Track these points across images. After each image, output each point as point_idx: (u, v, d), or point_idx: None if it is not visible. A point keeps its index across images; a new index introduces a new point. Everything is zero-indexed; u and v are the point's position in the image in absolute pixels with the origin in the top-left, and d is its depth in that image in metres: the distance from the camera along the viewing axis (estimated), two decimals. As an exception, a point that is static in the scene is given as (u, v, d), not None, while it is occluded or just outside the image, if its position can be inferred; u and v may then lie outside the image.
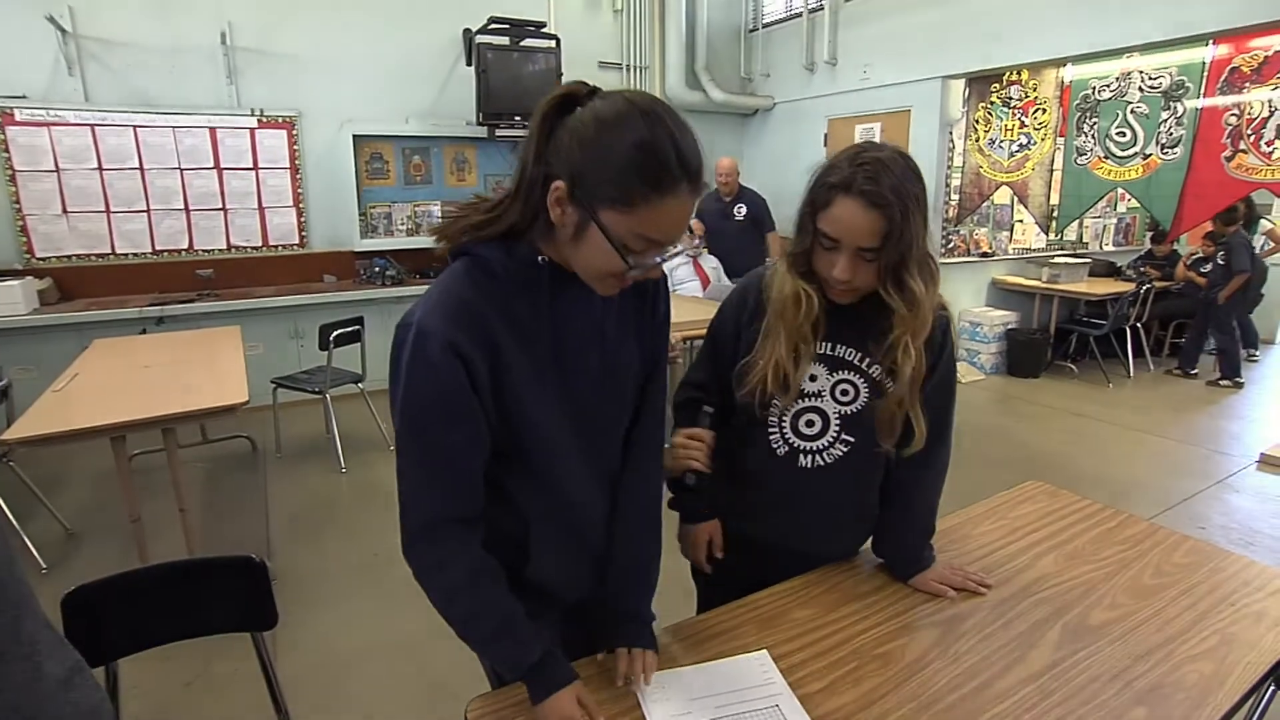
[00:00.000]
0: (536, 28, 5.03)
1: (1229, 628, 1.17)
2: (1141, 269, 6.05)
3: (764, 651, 1.10)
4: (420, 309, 0.88)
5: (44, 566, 2.72)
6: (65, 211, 4.31)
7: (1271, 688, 1.50)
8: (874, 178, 1.03)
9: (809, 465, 1.24)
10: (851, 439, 1.22)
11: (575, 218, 0.83)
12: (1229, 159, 3.95)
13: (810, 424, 1.23)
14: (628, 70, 5.93)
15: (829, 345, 1.20)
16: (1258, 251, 6.13)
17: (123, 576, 1.14)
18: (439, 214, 5.28)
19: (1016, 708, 0.99)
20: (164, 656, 2.15)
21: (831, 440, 1.23)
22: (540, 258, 0.90)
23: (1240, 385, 5.40)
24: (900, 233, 1.04)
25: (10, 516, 2.79)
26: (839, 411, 1.21)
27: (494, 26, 4.89)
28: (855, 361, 1.20)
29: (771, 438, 1.25)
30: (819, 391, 1.21)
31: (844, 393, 1.21)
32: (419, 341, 0.85)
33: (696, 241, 4.66)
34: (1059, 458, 3.94)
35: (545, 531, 1.02)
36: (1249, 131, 3.85)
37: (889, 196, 1.02)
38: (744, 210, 4.79)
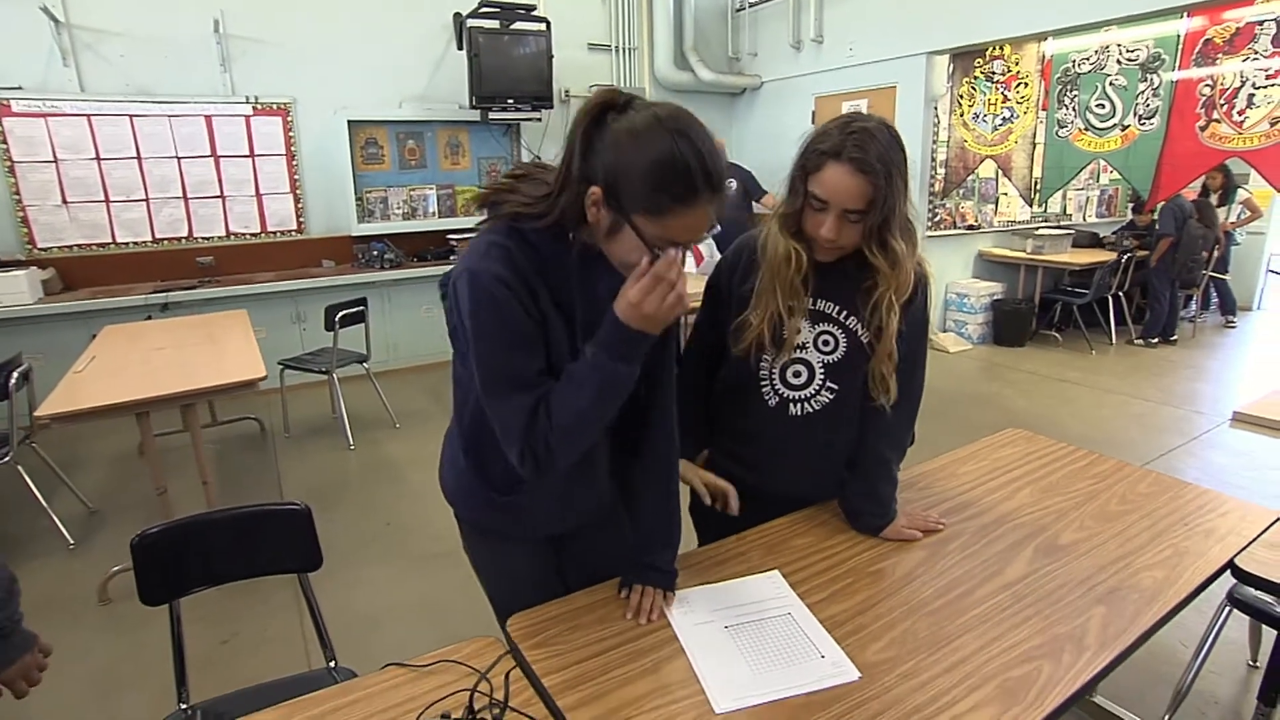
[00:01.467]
0: (526, 11, 5.07)
1: (1182, 543, 1.31)
2: (1125, 239, 6.19)
3: (775, 571, 1.23)
4: (466, 260, 0.99)
5: (71, 542, 2.83)
6: (65, 202, 4.35)
7: (1228, 609, 1.65)
8: (862, 145, 1.12)
9: (799, 413, 1.35)
10: (835, 386, 1.33)
11: (609, 220, 0.93)
12: (1203, 129, 4.08)
13: (797, 374, 1.34)
14: (617, 52, 5.98)
15: (811, 301, 1.30)
16: (1234, 219, 6.31)
17: (188, 521, 1.25)
18: (434, 198, 5.35)
19: (993, 610, 1.13)
20: (200, 617, 2.28)
21: (817, 388, 1.33)
22: (571, 235, 1.00)
23: (1173, 343, 5.66)
24: (885, 197, 1.14)
25: (38, 494, 2.88)
26: (822, 361, 1.32)
27: (484, 10, 4.94)
28: (835, 314, 1.30)
29: (763, 390, 1.36)
30: (803, 344, 1.32)
31: (825, 343, 1.31)
32: (474, 281, 0.96)
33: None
34: (1044, 420, 4.09)
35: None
36: (1222, 101, 3.97)
37: (875, 164, 1.11)
38: (733, 184, 4.91)
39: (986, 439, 1.84)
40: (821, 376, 1.33)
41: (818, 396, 1.34)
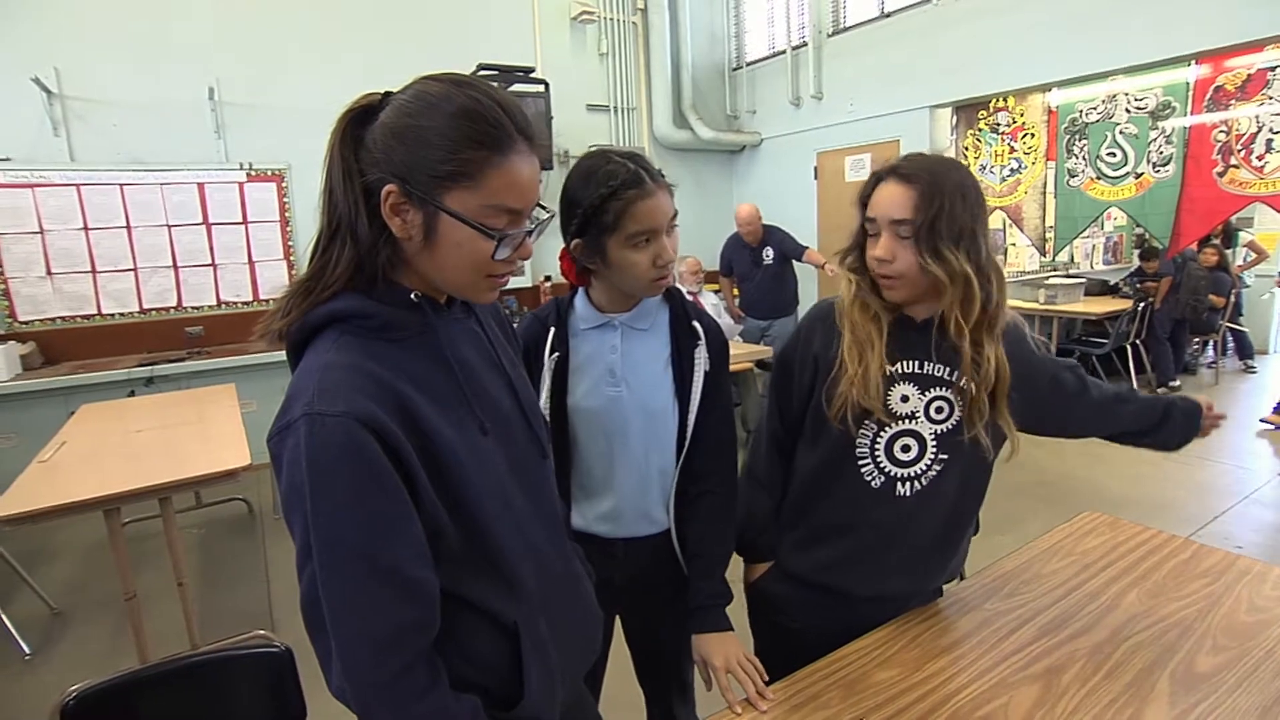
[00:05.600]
0: (525, 73, 5.06)
1: (1351, 667, 1.08)
2: (1138, 286, 6.08)
3: (861, 726, 0.99)
4: (296, 404, 0.70)
5: (28, 652, 2.53)
6: (50, 273, 4.19)
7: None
8: (909, 160, 1.10)
9: (907, 493, 1.18)
10: (946, 456, 1.17)
11: (420, 219, 0.73)
12: (1221, 174, 3.99)
13: (906, 449, 1.17)
14: (615, 112, 5.97)
15: (917, 363, 1.15)
16: (1241, 263, 6.22)
17: (128, 678, 1.01)
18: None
19: (1148, 777, 0.89)
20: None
21: (929, 463, 1.17)
22: (413, 294, 0.78)
23: (1175, 389, 5.49)
24: (930, 200, 1.04)
25: (-8, 599, 2.61)
26: (934, 431, 1.16)
27: (482, 73, 4.91)
28: (947, 377, 1.14)
29: (864, 470, 1.18)
30: (913, 413, 1.15)
31: (939, 410, 1.15)
32: (314, 433, 0.67)
33: (700, 278, 4.62)
34: (1080, 482, 3.86)
35: (534, 639, 0.85)
36: (1239, 147, 3.89)
37: (920, 173, 1.07)
38: (771, 253, 4.77)
39: (1063, 528, 1.62)
40: (934, 449, 1.16)
41: (928, 472, 1.17)
